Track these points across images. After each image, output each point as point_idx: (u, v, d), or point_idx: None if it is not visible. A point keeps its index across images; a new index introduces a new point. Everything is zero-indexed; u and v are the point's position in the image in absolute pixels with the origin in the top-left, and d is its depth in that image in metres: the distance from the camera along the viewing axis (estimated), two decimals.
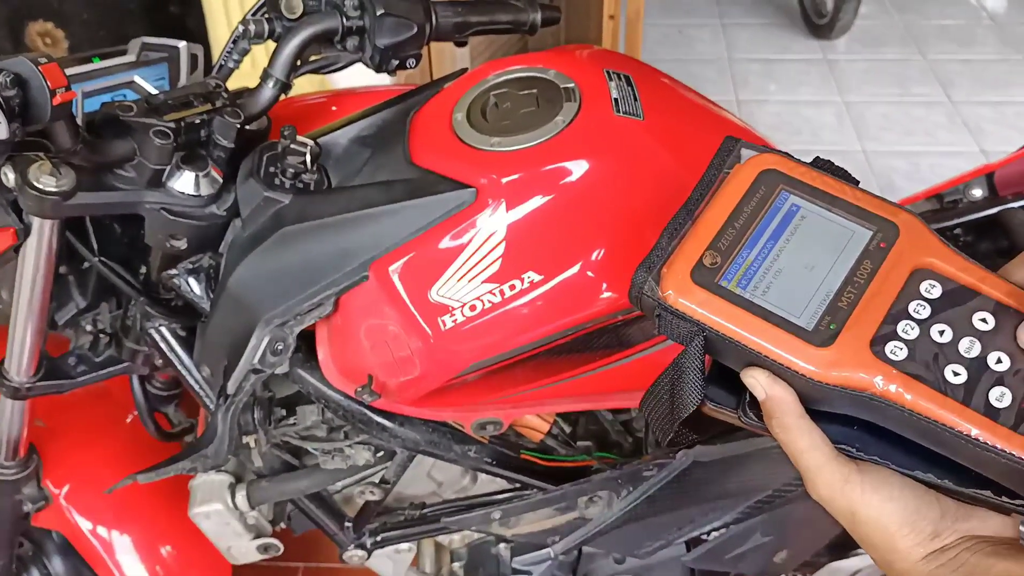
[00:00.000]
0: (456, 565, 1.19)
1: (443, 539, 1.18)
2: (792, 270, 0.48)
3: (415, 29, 0.87)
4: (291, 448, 1.05)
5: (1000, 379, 0.45)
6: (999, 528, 0.48)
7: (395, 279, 0.78)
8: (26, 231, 0.84)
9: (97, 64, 0.88)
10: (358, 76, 1.02)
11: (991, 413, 0.44)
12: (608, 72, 0.82)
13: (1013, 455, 0.43)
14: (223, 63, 0.90)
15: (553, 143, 0.77)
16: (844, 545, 1.18)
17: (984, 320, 0.46)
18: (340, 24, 0.85)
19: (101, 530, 1.21)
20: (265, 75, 0.85)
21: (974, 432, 0.44)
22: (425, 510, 1.07)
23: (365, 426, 0.92)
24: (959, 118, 3.07)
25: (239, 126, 0.83)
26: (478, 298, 0.77)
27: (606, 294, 0.77)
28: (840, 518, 0.49)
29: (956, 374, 0.45)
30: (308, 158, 0.83)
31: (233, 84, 0.89)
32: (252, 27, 0.86)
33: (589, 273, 0.77)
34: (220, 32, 1.95)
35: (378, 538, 1.09)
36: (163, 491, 1.18)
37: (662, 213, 0.54)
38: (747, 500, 1.02)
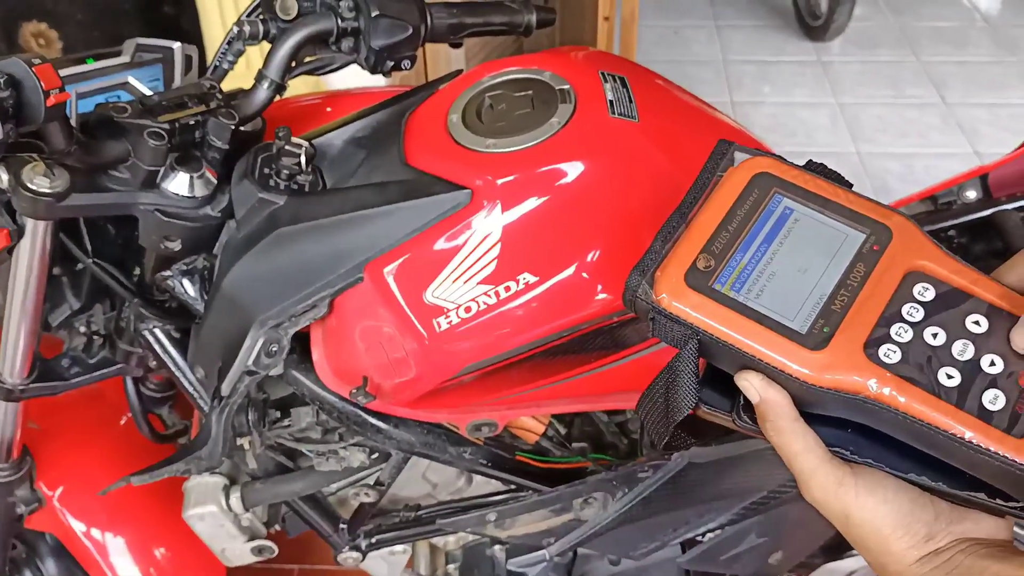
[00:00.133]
0: (451, 567, 1.19)
1: (438, 541, 1.18)
2: (786, 273, 0.48)
3: (410, 30, 0.86)
4: (286, 450, 1.05)
5: (993, 381, 0.45)
6: (993, 530, 0.48)
7: (390, 280, 0.78)
8: (20, 232, 0.84)
9: (91, 65, 0.88)
10: (353, 77, 1.02)
11: (984, 416, 0.44)
12: (603, 74, 0.82)
13: (1006, 457, 0.43)
14: (218, 64, 0.90)
15: (548, 145, 0.77)
16: (839, 547, 1.18)
17: (977, 323, 0.46)
18: (335, 25, 0.85)
19: (95, 532, 1.21)
20: (260, 76, 0.85)
21: (968, 435, 0.44)
22: (420, 512, 1.07)
23: (360, 428, 0.92)
24: (953, 120, 3.08)
25: (234, 127, 0.82)
26: (473, 299, 0.77)
27: (601, 295, 0.77)
28: (834, 521, 0.49)
29: (950, 377, 0.45)
30: (303, 159, 0.83)
31: (228, 85, 0.89)
32: (247, 28, 0.86)
33: (584, 275, 0.77)
34: (215, 33, 1.95)
35: (373, 540, 1.08)
36: (157, 493, 1.18)
37: (657, 214, 0.54)
38: (742, 502, 1.02)
